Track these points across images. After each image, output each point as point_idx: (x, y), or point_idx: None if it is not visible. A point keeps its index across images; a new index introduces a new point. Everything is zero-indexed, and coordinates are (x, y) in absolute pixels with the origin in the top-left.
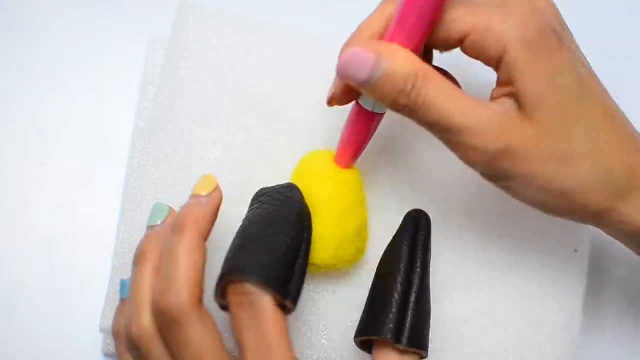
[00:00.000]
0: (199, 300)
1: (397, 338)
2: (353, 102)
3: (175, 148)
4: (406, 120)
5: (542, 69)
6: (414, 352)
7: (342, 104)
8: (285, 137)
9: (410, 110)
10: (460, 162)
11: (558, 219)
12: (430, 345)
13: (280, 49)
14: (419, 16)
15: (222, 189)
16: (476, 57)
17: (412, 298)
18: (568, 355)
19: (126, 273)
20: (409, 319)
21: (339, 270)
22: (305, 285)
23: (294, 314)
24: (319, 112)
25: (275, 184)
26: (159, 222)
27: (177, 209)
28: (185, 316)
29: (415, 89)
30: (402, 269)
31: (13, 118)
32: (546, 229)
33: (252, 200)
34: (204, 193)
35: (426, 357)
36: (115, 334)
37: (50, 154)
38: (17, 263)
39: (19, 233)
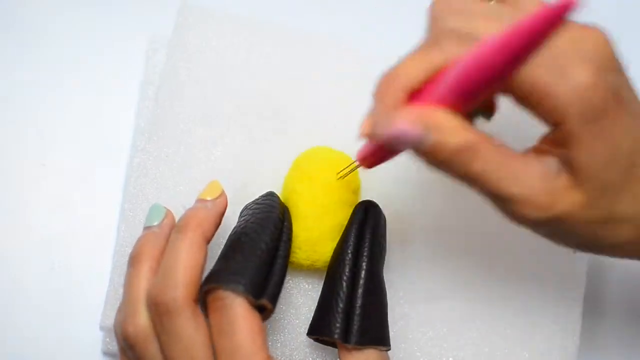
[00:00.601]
0: (195, 298)
1: (345, 338)
2: None
3: (176, 148)
4: None
5: (601, 143)
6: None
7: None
8: (286, 138)
9: (458, 178)
10: None
11: None
12: (428, 346)
13: (280, 49)
14: (480, 86)
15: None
16: (528, 112)
17: (359, 293)
18: (568, 358)
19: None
20: (356, 316)
21: (319, 269)
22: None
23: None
24: (319, 113)
25: (264, 190)
26: (155, 224)
27: (177, 209)
28: (179, 310)
29: (462, 164)
30: (348, 264)
31: (13, 118)
32: None
33: (238, 218)
34: (209, 198)
35: (389, 349)
36: (116, 331)
37: (50, 153)
38: (17, 263)
39: (19, 233)
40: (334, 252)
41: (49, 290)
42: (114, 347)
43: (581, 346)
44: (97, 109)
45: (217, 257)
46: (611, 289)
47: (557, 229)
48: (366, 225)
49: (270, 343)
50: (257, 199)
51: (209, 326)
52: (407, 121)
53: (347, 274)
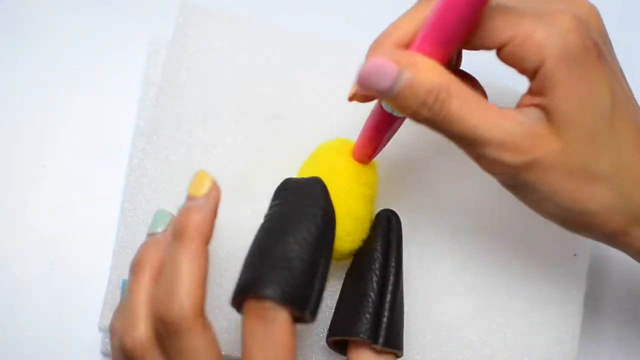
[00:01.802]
0: (202, 311)
1: (374, 338)
2: (376, 100)
3: (176, 149)
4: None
5: (578, 87)
6: (390, 352)
7: (363, 102)
8: (287, 139)
9: (433, 122)
10: (461, 169)
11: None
12: (428, 350)
13: (281, 50)
14: (453, 27)
15: (222, 191)
16: (511, 65)
17: (388, 298)
18: (568, 359)
19: (125, 273)
20: (385, 318)
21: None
22: None
23: None
24: (320, 114)
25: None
26: (159, 230)
27: (177, 210)
28: (189, 328)
29: (438, 102)
30: (377, 268)
31: (13, 118)
32: (546, 234)
33: (275, 193)
34: (202, 193)
35: (402, 356)
36: (112, 332)
37: (50, 154)
38: (17, 263)
39: (19, 233)
40: (358, 256)
41: (48, 290)
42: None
43: (581, 347)
44: (97, 109)
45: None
46: (611, 289)
47: (535, 182)
48: (391, 233)
49: None
50: (301, 181)
51: (242, 331)
52: (382, 57)
53: (376, 277)
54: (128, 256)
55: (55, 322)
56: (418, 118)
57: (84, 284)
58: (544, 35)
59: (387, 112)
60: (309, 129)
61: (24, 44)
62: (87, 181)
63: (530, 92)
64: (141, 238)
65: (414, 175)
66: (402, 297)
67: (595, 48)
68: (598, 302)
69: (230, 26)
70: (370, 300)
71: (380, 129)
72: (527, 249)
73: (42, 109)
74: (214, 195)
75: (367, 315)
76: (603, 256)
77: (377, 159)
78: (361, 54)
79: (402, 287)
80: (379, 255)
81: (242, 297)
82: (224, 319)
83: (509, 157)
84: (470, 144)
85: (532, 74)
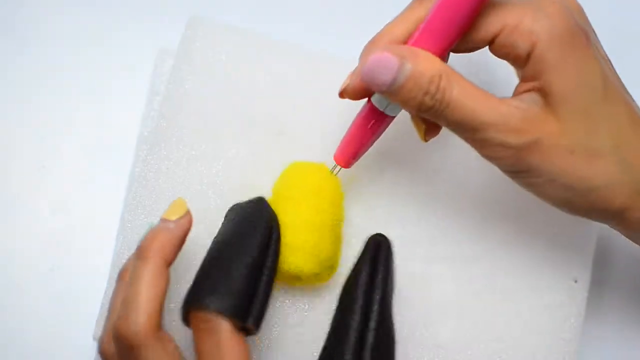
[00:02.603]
0: (157, 327)
1: None
2: (365, 100)
3: (178, 161)
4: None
5: (570, 66)
6: None
7: (354, 99)
8: (290, 154)
9: (436, 111)
10: (457, 181)
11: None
12: None
13: (287, 66)
14: (450, 24)
15: (224, 206)
16: (504, 56)
17: (372, 325)
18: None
19: None
20: (367, 352)
21: (314, 285)
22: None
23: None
24: (325, 130)
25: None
26: None
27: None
28: (143, 344)
29: (440, 90)
30: (361, 296)
31: (15, 119)
32: (546, 259)
33: (224, 217)
34: (173, 218)
35: None
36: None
37: (51, 155)
38: (16, 264)
39: (18, 234)
40: (345, 285)
41: (46, 292)
42: None
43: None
44: (102, 114)
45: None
46: (611, 319)
47: (539, 165)
48: (378, 261)
49: None
50: (244, 203)
51: (194, 345)
52: (384, 51)
53: (360, 310)
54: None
55: (52, 324)
56: (422, 109)
57: (82, 286)
58: (532, 21)
59: (378, 110)
60: (313, 145)
61: (32, 48)
62: (88, 183)
63: (524, 79)
64: None
65: (407, 194)
66: (390, 324)
67: (583, 32)
68: (598, 328)
69: (236, 39)
70: (352, 331)
71: (367, 130)
72: (526, 275)
73: (45, 110)
74: (185, 222)
75: (348, 348)
76: (603, 282)
77: (377, 176)
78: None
79: (392, 313)
80: (363, 282)
81: (186, 310)
82: None
83: (510, 139)
84: (472, 129)
85: (524, 60)
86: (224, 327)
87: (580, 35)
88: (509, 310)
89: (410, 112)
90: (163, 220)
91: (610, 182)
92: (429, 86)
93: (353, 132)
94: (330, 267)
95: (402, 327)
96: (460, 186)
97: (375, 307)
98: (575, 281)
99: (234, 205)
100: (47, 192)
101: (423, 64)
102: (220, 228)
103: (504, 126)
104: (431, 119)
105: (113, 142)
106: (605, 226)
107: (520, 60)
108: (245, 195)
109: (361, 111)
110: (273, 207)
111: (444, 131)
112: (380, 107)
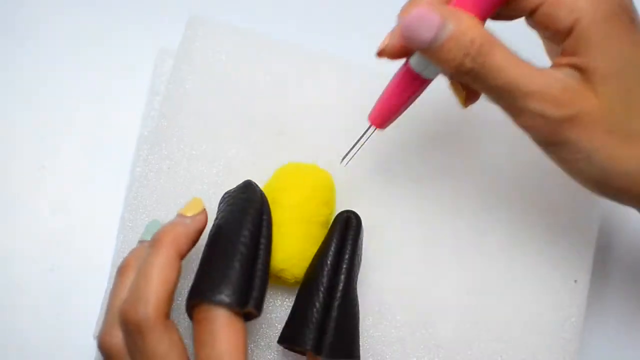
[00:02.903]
0: (166, 314)
1: (317, 349)
2: (403, 61)
3: (178, 160)
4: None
5: (613, 45)
6: None
7: (393, 59)
8: (289, 154)
9: (476, 74)
10: (458, 183)
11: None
12: None
13: (287, 65)
14: None
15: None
16: (544, 28)
17: (335, 306)
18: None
19: None
20: (330, 329)
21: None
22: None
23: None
24: (324, 130)
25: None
26: (149, 239)
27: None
28: (150, 328)
29: (482, 54)
30: (326, 275)
31: (16, 119)
32: (546, 260)
33: (217, 209)
34: (189, 214)
35: None
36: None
37: (51, 155)
38: (16, 263)
39: (18, 233)
40: (312, 262)
41: (46, 291)
42: None
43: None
44: (103, 114)
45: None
46: (612, 314)
47: (576, 139)
48: (347, 237)
49: None
50: (232, 191)
51: (193, 339)
52: (425, 8)
53: (324, 284)
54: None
55: (52, 324)
56: (461, 70)
57: (82, 286)
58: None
59: (415, 73)
60: (313, 145)
61: (32, 48)
62: (88, 183)
63: (564, 52)
64: None
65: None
66: (354, 302)
67: (628, 14)
68: (598, 328)
69: (236, 39)
70: (315, 310)
71: (403, 92)
72: (526, 275)
73: (45, 110)
74: (201, 218)
75: (311, 326)
76: (603, 282)
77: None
78: (370, 73)
79: (355, 292)
80: (329, 261)
81: (188, 304)
82: None
83: (551, 110)
84: (512, 96)
85: (565, 34)
86: (220, 316)
87: (625, 16)
88: (509, 310)
89: (448, 76)
90: (180, 215)
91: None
92: (470, 48)
93: (389, 94)
94: (296, 264)
95: (403, 327)
96: (462, 187)
97: (341, 283)
98: (575, 281)
99: (224, 194)
100: (47, 192)
101: (465, 24)
102: (214, 220)
103: (545, 96)
104: (469, 84)
105: (113, 142)
106: (604, 226)
107: (560, 35)
108: None
109: (397, 73)
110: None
111: (447, 129)
112: (418, 69)
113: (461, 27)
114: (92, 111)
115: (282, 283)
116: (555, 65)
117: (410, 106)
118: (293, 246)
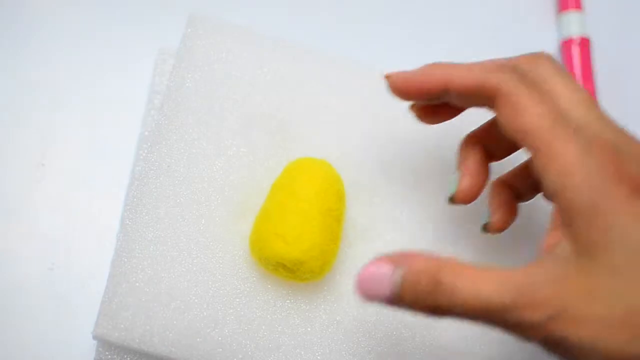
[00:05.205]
0: None
1: None
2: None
3: (178, 159)
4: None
5: (606, 219)
6: None
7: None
8: (290, 153)
9: (444, 310)
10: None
11: None
12: None
13: (288, 63)
14: None
15: (223, 203)
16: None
17: None
18: None
19: (124, 282)
20: None
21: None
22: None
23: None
24: (325, 129)
25: None
26: None
27: (177, 220)
28: None
29: (439, 291)
30: None
31: (16, 118)
32: None
33: None
34: None
35: None
36: None
37: (51, 154)
38: (16, 263)
39: (18, 233)
40: None
41: (46, 291)
42: (107, 356)
43: None
44: (104, 113)
45: None
46: None
47: (565, 335)
48: None
49: None
50: None
51: None
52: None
53: None
54: (126, 264)
55: (52, 324)
56: (429, 311)
57: (82, 285)
58: (570, 159)
59: None
60: (314, 144)
61: (32, 46)
62: (88, 182)
63: (554, 223)
64: (139, 247)
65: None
66: None
67: (632, 181)
68: None
69: (237, 38)
70: None
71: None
72: None
73: (46, 109)
74: None
75: None
76: None
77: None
78: (366, 69)
79: None
80: None
81: None
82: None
83: (528, 316)
84: (491, 316)
85: (551, 199)
86: None
87: (624, 185)
88: None
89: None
90: None
91: None
92: (426, 290)
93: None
94: (316, 257)
95: (404, 328)
96: None
97: None
98: None
99: None
100: (47, 192)
101: (416, 268)
102: None
103: (518, 303)
104: (452, 319)
105: (114, 142)
106: None
107: (548, 197)
108: (246, 192)
109: None
110: (268, 196)
111: (453, 127)
112: None
113: (413, 272)
114: (92, 110)
115: (293, 278)
116: (546, 245)
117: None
118: (314, 238)
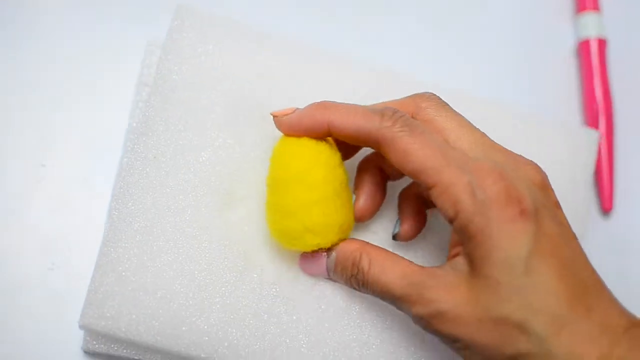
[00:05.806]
0: None
1: None
2: None
3: (164, 150)
4: None
5: (489, 238)
6: None
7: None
8: (275, 144)
9: (364, 285)
10: None
11: None
12: None
13: (274, 55)
14: None
15: (210, 194)
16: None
17: None
18: None
19: (110, 271)
20: None
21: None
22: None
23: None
24: None
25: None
26: None
27: (163, 211)
28: None
29: (361, 271)
30: None
31: (13, 118)
32: None
33: None
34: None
35: None
36: None
37: (50, 153)
38: (16, 262)
39: (18, 233)
40: None
41: (45, 292)
42: (94, 345)
43: None
44: (96, 109)
45: None
46: None
47: (447, 331)
48: None
49: None
50: None
51: None
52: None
53: None
54: (113, 255)
55: (51, 323)
56: (353, 284)
57: (82, 285)
58: (462, 189)
59: None
60: None
61: (23, 44)
62: (88, 182)
63: (453, 240)
64: (126, 237)
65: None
66: None
67: (519, 204)
68: None
69: (224, 29)
70: None
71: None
72: None
73: (42, 108)
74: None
75: None
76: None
77: None
78: (357, 66)
79: None
80: None
81: None
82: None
83: (415, 310)
84: (391, 302)
85: (450, 222)
86: None
87: (512, 206)
88: None
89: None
90: None
91: (528, 352)
92: (352, 269)
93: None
94: (345, 230)
95: (389, 316)
96: None
97: None
98: None
99: None
100: (47, 192)
101: (345, 249)
102: None
103: (409, 297)
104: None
105: (113, 142)
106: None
107: (448, 221)
108: (232, 182)
109: None
110: (276, 187)
111: None
112: None
113: (341, 256)
114: (92, 110)
115: (295, 245)
116: (450, 256)
117: None
118: (339, 218)
